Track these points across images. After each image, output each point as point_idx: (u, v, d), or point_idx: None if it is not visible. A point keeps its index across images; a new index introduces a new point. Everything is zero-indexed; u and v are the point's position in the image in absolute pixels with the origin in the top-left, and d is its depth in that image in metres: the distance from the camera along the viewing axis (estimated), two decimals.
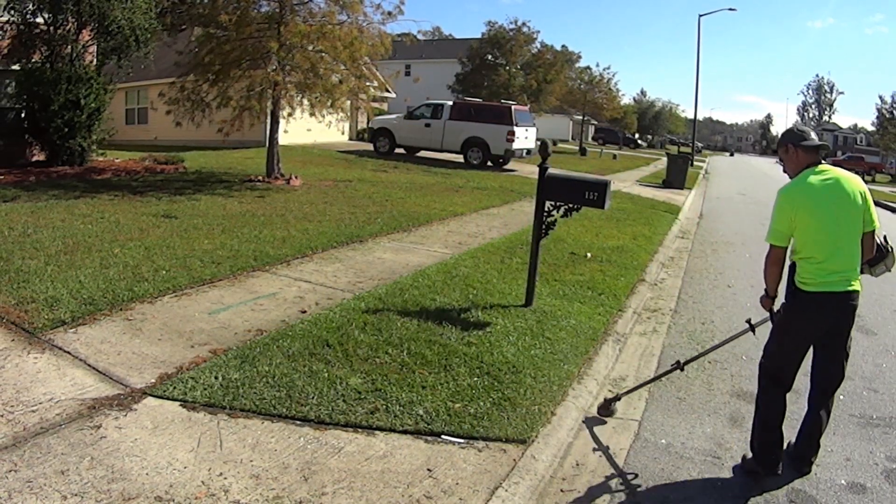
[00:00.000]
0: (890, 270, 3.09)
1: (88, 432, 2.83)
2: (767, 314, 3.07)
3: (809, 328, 2.88)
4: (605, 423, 3.55)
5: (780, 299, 3.05)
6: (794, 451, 3.11)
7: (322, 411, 3.18)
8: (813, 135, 2.96)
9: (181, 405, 3.16)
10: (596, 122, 53.30)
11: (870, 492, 2.97)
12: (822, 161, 2.94)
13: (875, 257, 2.99)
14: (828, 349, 2.94)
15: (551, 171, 5.01)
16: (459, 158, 18.37)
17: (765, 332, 3.19)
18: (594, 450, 3.24)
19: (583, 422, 3.53)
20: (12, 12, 10.93)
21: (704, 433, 3.49)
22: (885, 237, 3.08)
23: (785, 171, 3.07)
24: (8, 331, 3.88)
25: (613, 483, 2.97)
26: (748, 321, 3.31)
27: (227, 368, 3.55)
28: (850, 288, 2.80)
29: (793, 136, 2.96)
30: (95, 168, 11.83)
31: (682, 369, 3.52)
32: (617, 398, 3.65)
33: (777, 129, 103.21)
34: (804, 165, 2.92)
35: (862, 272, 2.95)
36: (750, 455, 3.07)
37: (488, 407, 3.37)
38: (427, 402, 3.34)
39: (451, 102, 19.29)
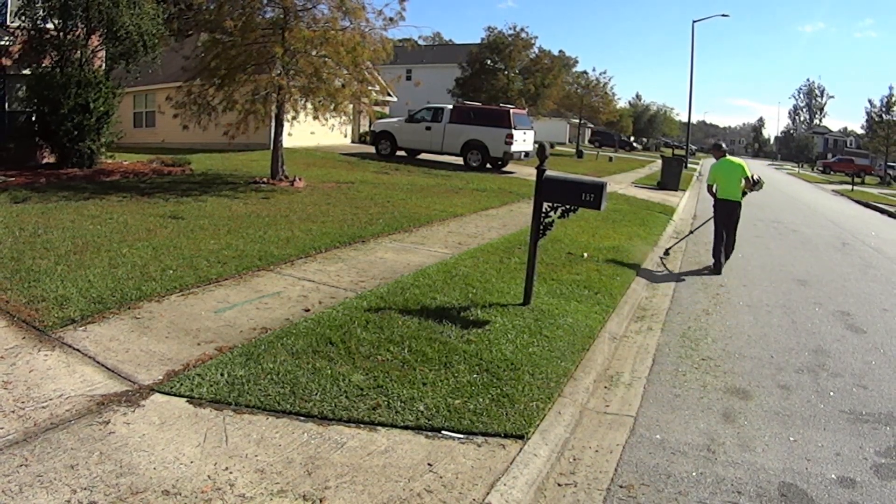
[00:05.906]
0: (762, 188, 8.03)
1: (97, 428, 2.90)
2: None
3: (722, 212, 7.70)
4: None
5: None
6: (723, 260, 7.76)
7: (325, 407, 3.25)
8: (724, 145, 8.39)
9: (188, 401, 3.22)
10: (592, 126, 53.31)
11: (859, 486, 3.03)
12: (727, 154, 8.05)
13: (752, 186, 7.73)
14: (727, 227, 7.66)
15: (549, 173, 5.08)
16: (459, 161, 18.41)
17: None
18: (590, 446, 3.32)
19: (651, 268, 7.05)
20: (23, 18, 11.09)
21: (698, 428, 3.56)
22: (758, 176, 7.85)
23: (715, 157, 8.14)
24: (19, 329, 3.96)
25: (610, 478, 3.03)
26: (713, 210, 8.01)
27: (233, 365, 3.62)
28: (733, 199, 7.69)
29: (718, 146, 8.33)
30: (104, 170, 11.95)
31: (692, 233, 9.32)
32: (671, 247, 8.69)
33: (769, 132, 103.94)
34: (719, 157, 8.02)
35: (748, 193, 7.83)
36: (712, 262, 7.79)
37: (487, 403, 3.44)
38: (428, 399, 3.41)
39: (451, 106, 19.26)
